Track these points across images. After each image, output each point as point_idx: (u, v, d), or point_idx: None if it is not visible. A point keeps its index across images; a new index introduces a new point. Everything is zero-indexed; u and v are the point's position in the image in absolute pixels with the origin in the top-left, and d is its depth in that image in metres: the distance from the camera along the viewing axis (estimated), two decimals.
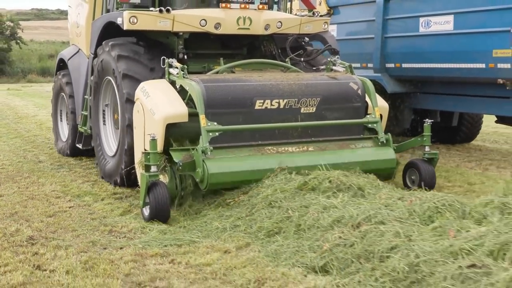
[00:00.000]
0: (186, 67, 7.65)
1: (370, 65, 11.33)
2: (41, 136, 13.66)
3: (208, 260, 5.31)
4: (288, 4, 10.71)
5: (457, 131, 12.17)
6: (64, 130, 11.36)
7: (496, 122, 10.72)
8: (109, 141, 9.04)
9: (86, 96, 9.73)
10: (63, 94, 11.14)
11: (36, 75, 45.23)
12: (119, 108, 8.29)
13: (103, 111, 9.13)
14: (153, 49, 8.51)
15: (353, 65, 11.36)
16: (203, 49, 9.17)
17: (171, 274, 5.06)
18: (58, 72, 11.38)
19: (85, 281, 4.84)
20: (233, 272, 5.05)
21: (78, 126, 10.17)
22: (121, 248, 5.75)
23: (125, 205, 7.52)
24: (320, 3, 12.33)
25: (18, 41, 50.47)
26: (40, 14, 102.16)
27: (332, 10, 12.28)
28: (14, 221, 6.70)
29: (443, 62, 9.96)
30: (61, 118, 11.58)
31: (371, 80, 11.03)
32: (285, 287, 4.72)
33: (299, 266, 5.06)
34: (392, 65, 10.98)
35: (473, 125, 12.11)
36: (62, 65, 11.30)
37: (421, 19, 10.24)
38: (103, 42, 8.71)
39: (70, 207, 7.38)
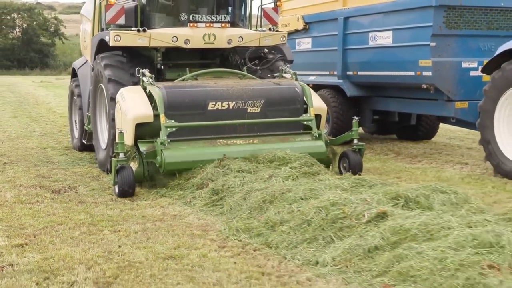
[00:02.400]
0: (153, 76, 9.53)
1: (335, 72, 13.11)
2: (45, 117, 18.93)
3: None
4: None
5: (416, 129, 13.82)
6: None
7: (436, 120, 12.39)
8: (104, 136, 10.88)
9: (89, 100, 11.73)
10: (75, 98, 13.19)
11: None
12: (107, 106, 10.27)
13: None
14: (136, 60, 10.34)
15: (323, 72, 13.37)
16: (182, 59, 11.04)
17: (65, 175, 10.02)
18: (72, 79, 13.46)
19: (19, 175, 9.93)
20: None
21: (84, 125, 12.19)
22: (47, 167, 10.74)
23: (67, 152, 12.62)
24: (298, 19, 14.19)
25: (61, 37, 54.47)
26: None
27: (308, 26, 14.10)
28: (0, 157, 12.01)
29: (386, 70, 11.75)
30: (75, 120, 13.62)
31: (335, 85, 12.99)
32: (158, 208, 7.92)
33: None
34: (351, 73, 12.78)
35: (430, 124, 13.69)
36: (75, 73, 13.35)
37: (370, 34, 12.04)
38: (96, 56, 10.73)
39: (36, 153, 12.48)
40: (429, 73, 10.66)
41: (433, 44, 10.56)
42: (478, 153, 11.70)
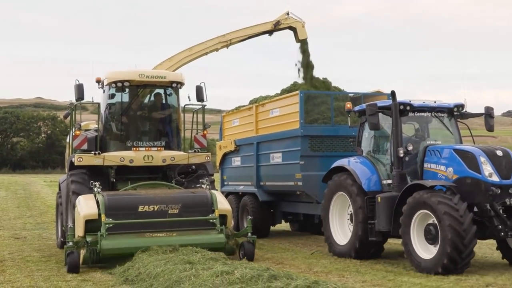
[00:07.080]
0: (101, 187, 13.34)
1: (253, 183, 17.38)
2: (37, 207, 27.65)
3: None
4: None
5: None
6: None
7: None
8: None
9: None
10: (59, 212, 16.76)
11: None
12: (70, 212, 14.25)
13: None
14: (96, 175, 14.22)
15: (247, 183, 17.66)
16: (133, 175, 14.80)
17: (27, 233, 19.45)
18: (57, 193, 17.08)
19: (4, 233, 19.54)
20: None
21: (63, 227, 15.04)
22: (20, 231, 20.13)
23: (37, 225, 22.02)
24: (231, 143, 18.62)
25: None
26: None
27: (238, 148, 18.44)
28: None
29: (279, 181, 16.08)
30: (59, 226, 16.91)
31: (252, 193, 17.20)
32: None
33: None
34: (262, 183, 17.08)
35: None
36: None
37: (271, 155, 16.45)
38: (67, 173, 14.98)
39: (19, 225, 21.82)
40: (300, 183, 14.91)
41: (302, 162, 14.87)
42: None
